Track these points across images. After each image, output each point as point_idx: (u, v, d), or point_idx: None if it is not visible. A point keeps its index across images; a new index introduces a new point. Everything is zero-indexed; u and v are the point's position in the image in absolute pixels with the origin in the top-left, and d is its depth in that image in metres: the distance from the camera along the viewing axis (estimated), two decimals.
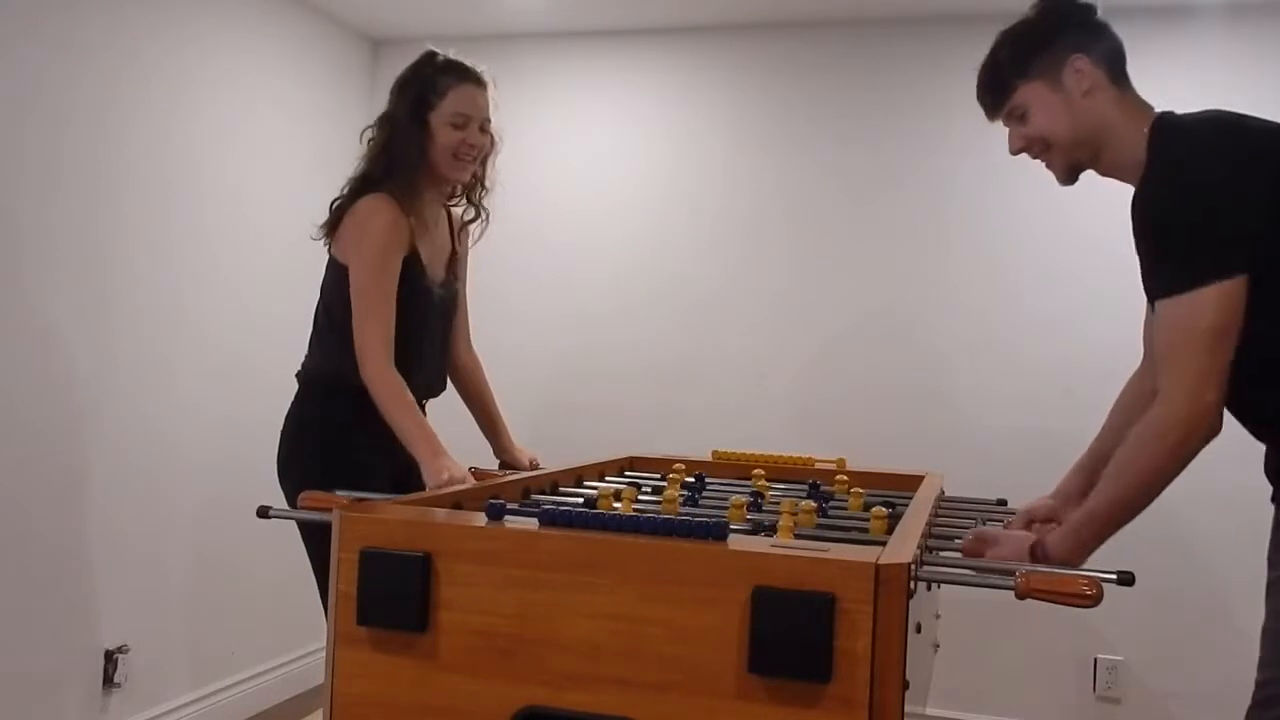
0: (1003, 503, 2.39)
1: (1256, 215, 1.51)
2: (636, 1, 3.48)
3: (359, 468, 2.11)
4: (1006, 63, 1.74)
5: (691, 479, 2.43)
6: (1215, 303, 1.47)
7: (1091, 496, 1.58)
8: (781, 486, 2.43)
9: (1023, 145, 1.76)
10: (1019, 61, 1.72)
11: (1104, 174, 1.74)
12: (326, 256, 2.25)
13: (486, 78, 2.23)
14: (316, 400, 2.23)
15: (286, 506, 2.09)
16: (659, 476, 2.51)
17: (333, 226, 2.21)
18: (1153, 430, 1.51)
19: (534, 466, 2.45)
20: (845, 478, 2.39)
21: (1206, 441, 1.50)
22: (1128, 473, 1.54)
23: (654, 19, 3.62)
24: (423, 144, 2.17)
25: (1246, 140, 1.57)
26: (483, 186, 2.33)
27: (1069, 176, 1.76)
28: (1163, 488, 1.52)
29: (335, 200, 2.25)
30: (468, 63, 2.22)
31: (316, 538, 2.00)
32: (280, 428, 2.24)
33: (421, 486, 2.00)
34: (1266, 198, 1.51)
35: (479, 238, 2.39)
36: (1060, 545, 1.56)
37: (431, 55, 2.22)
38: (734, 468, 2.61)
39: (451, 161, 2.20)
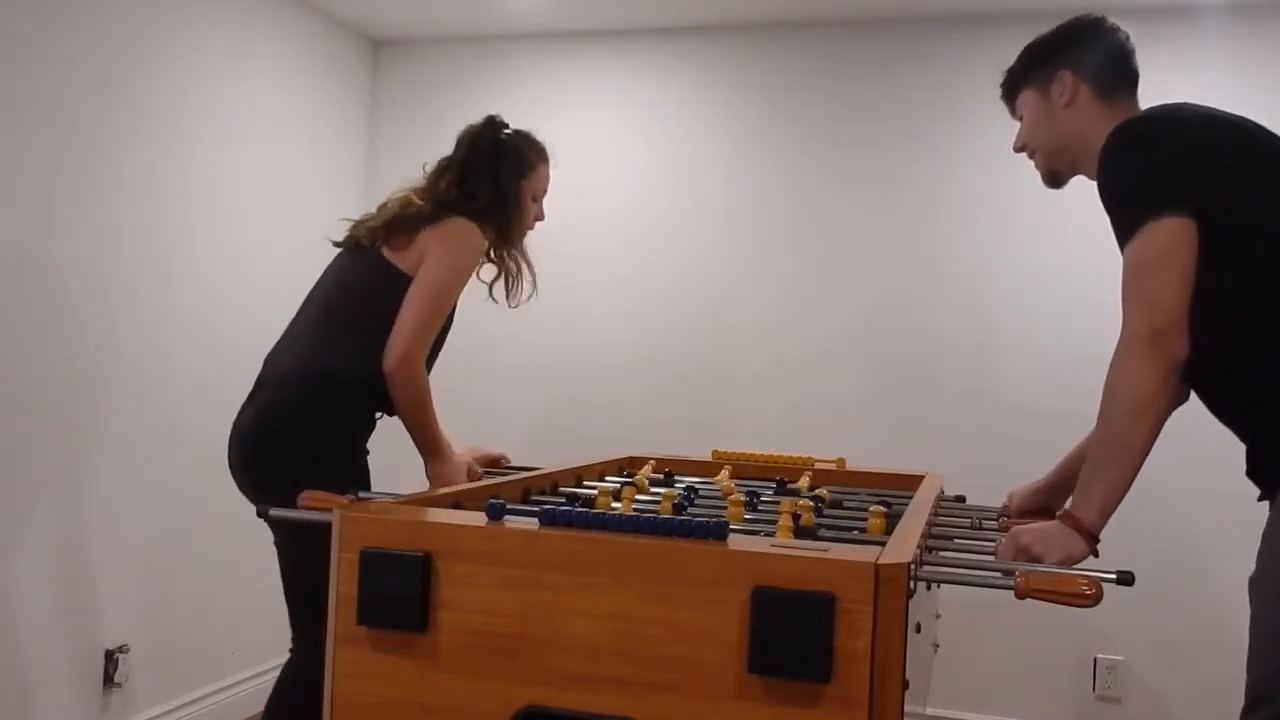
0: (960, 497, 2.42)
1: (1189, 165, 1.60)
2: (638, 1, 3.48)
3: (364, 470, 2.20)
4: (1018, 69, 1.91)
5: (685, 485, 2.43)
6: (1156, 235, 1.56)
7: (1093, 448, 1.60)
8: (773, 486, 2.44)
9: (1018, 145, 1.94)
10: (1025, 69, 1.90)
11: (1089, 177, 1.80)
12: (354, 256, 2.28)
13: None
14: (340, 401, 2.19)
15: (280, 503, 2.10)
16: (660, 476, 2.51)
17: (393, 230, 2.23)
18: (1117, 360, 1.57)
19: (473, 476, 2.46)
20: (809, 477, 2.44)
21: (1173, 362, 1.53)
22: (1109, 410, 1.57)
23: (655, 19, 3.62)
24: (522, 213, 2.38)
25: (1184, 112, 1.68)
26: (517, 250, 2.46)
27: (1050, 181, 1.93)
28: (1147, 419, 1.54)
29: (414, 209, 2.26)
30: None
31: (300, 538, 1.98)
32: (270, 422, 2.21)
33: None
34: (1201, 155, 1.62)
35: (528, 299, 2.50)
36: (1082, 509, 1.58)
37: (503, 123, 2.38)
38: (734, 468, 2.61)
39: (526, 229, 2.41)
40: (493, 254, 2.39)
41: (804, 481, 2.41)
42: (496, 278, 2.43)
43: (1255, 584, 1.63)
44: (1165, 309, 1.53)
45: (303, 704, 2.12)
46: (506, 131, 2.38)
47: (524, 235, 2.42)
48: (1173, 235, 1.55)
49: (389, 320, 2.15)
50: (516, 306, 2.46)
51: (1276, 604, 1.55)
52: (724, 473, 2.52)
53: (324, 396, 2.18)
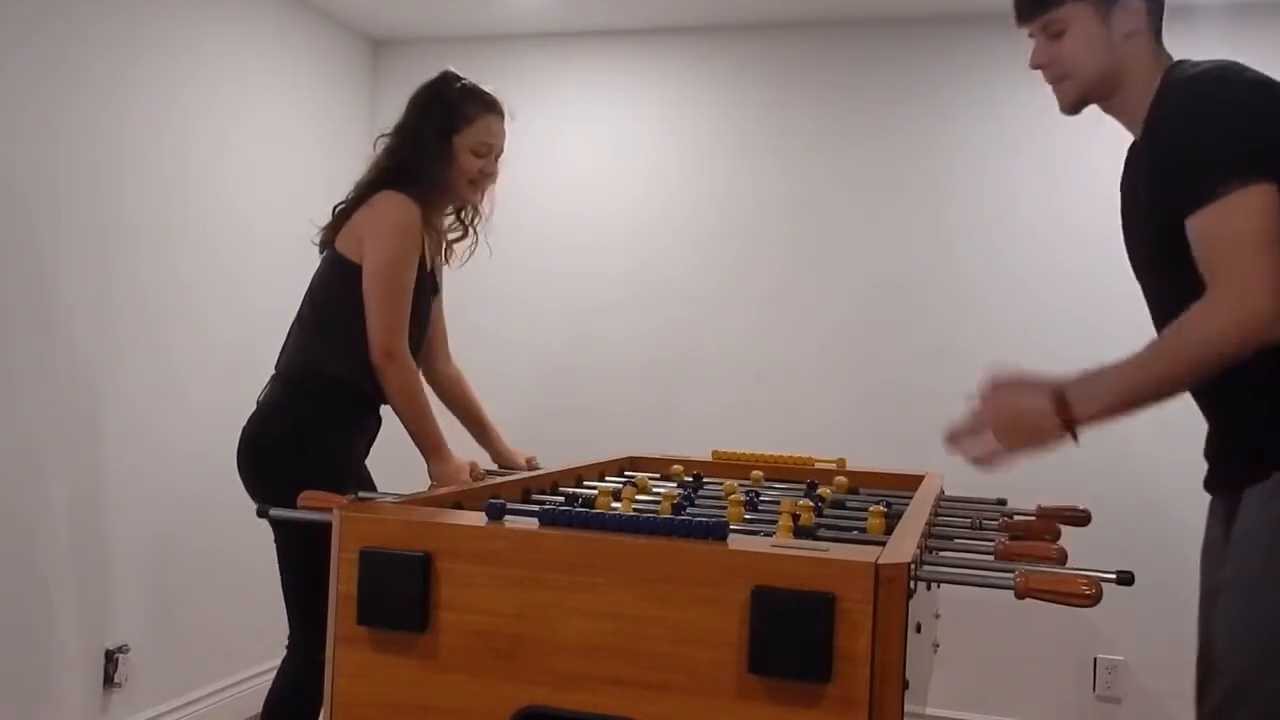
0: (1002, 501, 2.39)
1: (1270, 129, 1.49)
2: (638, 1, 3.48)
3: (352, 472, 2.19)
4: None
5: (689, 478, 2.43)
6: (1250, 207, 1.44)
7: (1130, 361, 1.51)
8: (781, 486, 2.44)
9: (1045, 62, 1.70)
10: None
11: (1107, 111, 1.71)
12: (321, 257, 2.27)
13: (507, 108, 2.27)
14: (311, 401, 2.19)
15: (263, 500, 2.12)
16: (658, 476, 2.51)
17: (340, 222, 2.22)
18: (1207, 324, 1.46)
19: (531, 466, 2.47)
20: (845, 479, 2.39)
21: (1262, 345, 1.43)
22: (1171, 354, 1.49)
23: (654, 19, 3.62)
24: (447, 165, 2.21)
25: (1252, 74, 1.56)
26: (477, 212, 2.36)
27: (1074, 108, 1.72)
28: (1202, 377, 1.48)
29: (339, 205, 2.26)
30: (492, 92, 2.26)
31: (298, 539, 2.00)
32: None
33: None
34: (1274, 119, 1.51)
35: (466, 260, 2.39)
36: (1086, 404, 1.53)
37: (455, 78, 2.26)
38: (734, 468, 2.61)
39: (468, 186, 2.26)
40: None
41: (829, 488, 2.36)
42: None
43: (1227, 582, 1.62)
44: (1271, 289, 1.41)
45: (297, 703, 2.13)
46: (459, 85, 2.23)
47: (452, 194, 2.26)
48: (1266, 207, 1.44)
49: (351, 313, 2.14)
50: (456, 268, 2.38)
51: (1255, 602, 1.53)
52: (756, 474, 2.51)
53: (299, 395, 2.20)
